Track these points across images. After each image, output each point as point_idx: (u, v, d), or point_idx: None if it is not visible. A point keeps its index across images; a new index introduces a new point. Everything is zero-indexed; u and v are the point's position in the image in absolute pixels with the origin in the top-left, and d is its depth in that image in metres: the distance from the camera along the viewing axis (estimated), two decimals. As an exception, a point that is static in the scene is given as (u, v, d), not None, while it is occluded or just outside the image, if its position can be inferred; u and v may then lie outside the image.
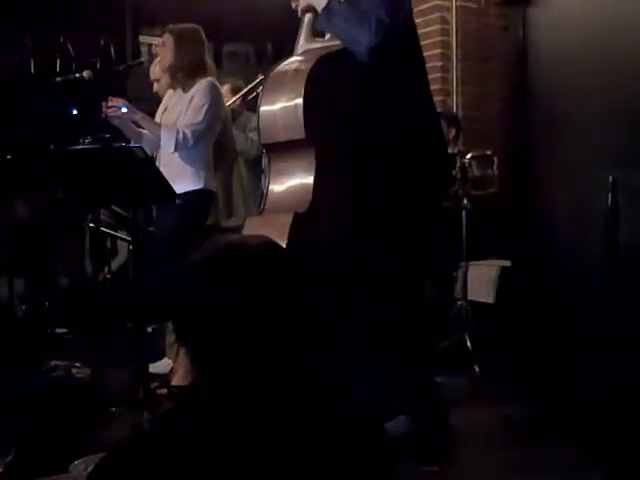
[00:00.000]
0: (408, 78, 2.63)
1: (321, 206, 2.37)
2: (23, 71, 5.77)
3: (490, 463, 2.77)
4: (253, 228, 2.43)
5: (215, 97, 3.73)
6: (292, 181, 2.45)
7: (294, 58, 2.61)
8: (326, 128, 2.43)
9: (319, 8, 2.58)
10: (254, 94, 4.95)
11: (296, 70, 2.48)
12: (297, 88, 2.39)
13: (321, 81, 2.42)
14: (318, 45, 2.61)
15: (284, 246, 2.18)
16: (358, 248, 2.43)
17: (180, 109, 3.75)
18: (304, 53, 2.60)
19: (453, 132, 4.63)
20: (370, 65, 2.46)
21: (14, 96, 5.31)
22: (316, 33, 2.69)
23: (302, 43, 2.65)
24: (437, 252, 3.71)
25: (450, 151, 4.29)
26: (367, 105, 2.51)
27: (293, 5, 2.82)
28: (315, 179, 2.37)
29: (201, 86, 3.70)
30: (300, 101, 2.36)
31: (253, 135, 4.86)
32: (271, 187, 2.51)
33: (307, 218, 2.32)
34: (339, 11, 2.52)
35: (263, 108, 2.50)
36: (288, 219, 2.29)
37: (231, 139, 4.49)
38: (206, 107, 3.67)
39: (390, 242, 2.54)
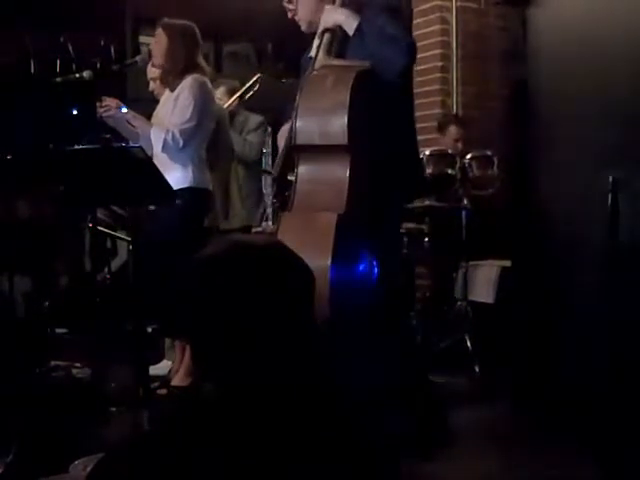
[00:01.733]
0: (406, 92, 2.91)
1: (352, 207, 2.52)
2: (23, 71, 5.77)
3: (490, 463, 2.77)
4: (291, 226, 2.52)
5: (202, 93, 3.68)
6: (325, 182, 2.59)
7: (322, 71, 2.72)
8: (360, 136, 2.61)
9: (350, 30, 2.74)
10: (251, 93, 4.96)
11: (336, 81, 2.63)
12: (341, 98, 2.56)
13: (360, 92, 2.59)
14: (338, 62, 2.76)
15: (331, 245, 2.35)
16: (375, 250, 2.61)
17: (167, 109, 3.73)
18: (327, 67, 2.72)
19: (461, 132, 4.65)
20: (392, 84, 2.68)
21: (14, 96, 5.31)
22: (331, 51, 2.82)
23: (320, 58, 2.77)
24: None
25: (450, 151, 4.32)
26: (387, 118, 2.70)
27: (290, 15, 2.87)
28: (349, 182, 2.54)
29: (186, 84, 3.67)
30: (346, 110, 2.54)
31: (251, 137, 4.86)
32: (300, 186, 2.61)
33: (346, 218, 2.46)
34: (371, 33, 2.68)
35: (301, 114, 2.62)
36: (332, 219, 2.43)
37: (228, 139, 4.48)
38: (192, 104, 3.63)
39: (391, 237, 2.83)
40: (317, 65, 2.75)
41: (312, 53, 2.87)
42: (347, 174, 2.55)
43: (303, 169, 2.63)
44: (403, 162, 2.85)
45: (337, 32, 2.78)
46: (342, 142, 2.55)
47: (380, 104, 2.66)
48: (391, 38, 2.66)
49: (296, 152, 2.66)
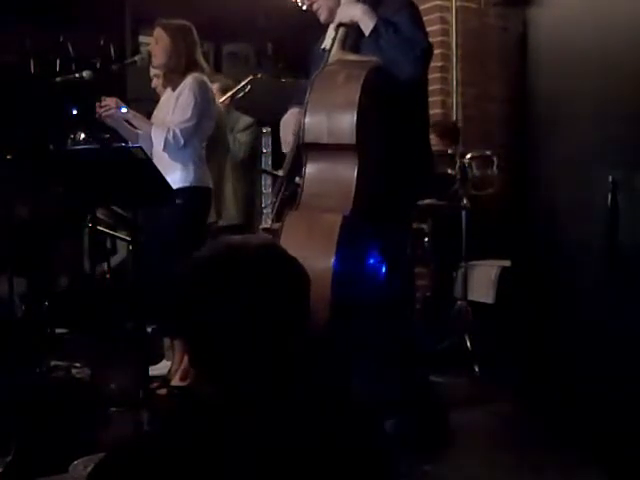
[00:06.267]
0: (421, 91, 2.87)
1: (359, 208, 2.49)
2: (23, 71, 5.77)
3: (489, 463, 2.77)
4: (295, 226, 2.49)
5: (202, 92, 3.69)
6: (332, 182, 2.55)
7: (335, 66, 2.68)
8: (369, 135, 2.57)
9: (366, 30, 2.68)
10: (242, 94, 4.94)
11: (347, 77, 2.58)
12: (351, 95, 2.52)
13: (371, 90, 2.54)
14: (353, 57, 2.71)
15: (334, 246, 2.32)
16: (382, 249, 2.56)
17: (168, 107, 3.74)
18: (341, 62, 2.69)
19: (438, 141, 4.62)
20: (408, 81, 2.64)
21: (14, 96, 5.31)
22: (346, 45, 2.77)
23: (334, 52, 2.73)
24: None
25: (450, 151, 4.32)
26: (400, 116, 2.66)
27: (307, 4, 2.83)
28: (357, 182, 2.50)
29: (187, 82, 3.68)
30: (355, 108, 2.50)
31: (241, 136, 4.86)
32: (307, 185, 2.58)
33: (352, 220, 2.44)
34: (386, 36, 2.65)
35: (310, 110, 2.58)
36: (336, 220, 2.39)
37: (224, 138, 4.47)
38: (193, 103, 3.64)
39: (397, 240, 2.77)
40: (331, 59, 2.72)
41: (326, 44, 2.83)
42: (355, 175, 2.50)
43: (311, 167, 2.59)
44: (416, 161, 2.80)
45: (353, 27, 2.73)
46: (350, 142, 2.50)
47: (393, 102, 2.62)
48: (407, 42, 2.62)
49: (304, 150, 2.63)
